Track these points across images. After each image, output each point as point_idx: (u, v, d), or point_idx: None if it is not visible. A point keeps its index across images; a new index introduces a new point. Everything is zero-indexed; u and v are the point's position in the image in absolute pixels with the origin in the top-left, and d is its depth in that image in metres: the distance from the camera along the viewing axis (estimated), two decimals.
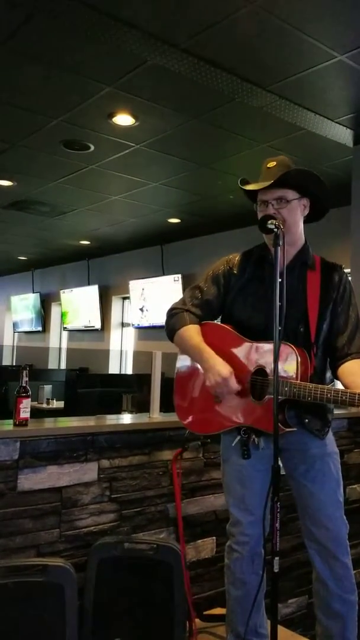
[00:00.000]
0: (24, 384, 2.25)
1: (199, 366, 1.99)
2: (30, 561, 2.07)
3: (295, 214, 1.90)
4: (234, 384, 1.87)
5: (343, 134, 4.07)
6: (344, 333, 1.92)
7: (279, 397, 1.73)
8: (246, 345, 1.92)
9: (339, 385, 1.91)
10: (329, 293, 1.93)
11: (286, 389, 1.75)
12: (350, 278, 4.30)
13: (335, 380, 1.99)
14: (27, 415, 2.25)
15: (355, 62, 3.14)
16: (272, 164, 1.92)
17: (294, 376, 1.78)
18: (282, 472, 1.96)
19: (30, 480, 2.20)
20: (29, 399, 2.26)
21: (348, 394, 1.67)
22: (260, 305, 1.92)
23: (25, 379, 2.27)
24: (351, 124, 3.93)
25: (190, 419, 2.09)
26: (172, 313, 2.06)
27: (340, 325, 1.93)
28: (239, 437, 1.92)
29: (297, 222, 1.93)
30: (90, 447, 2.36)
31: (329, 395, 1.70)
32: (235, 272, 2.00)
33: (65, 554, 2.24)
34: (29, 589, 1.99)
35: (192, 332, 1.98)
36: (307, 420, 1.90)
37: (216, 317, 2.06)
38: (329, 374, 1.98)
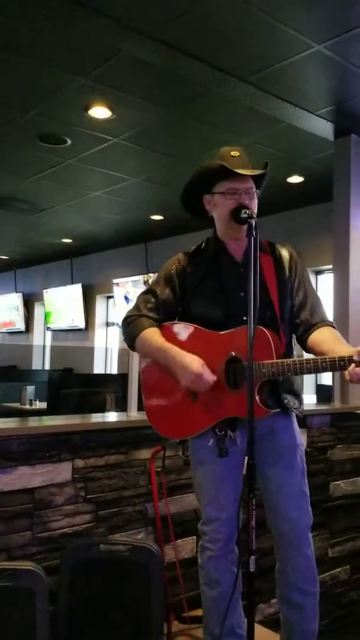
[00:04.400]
0: None
1: (166, 368, 1.90)
2: None
3: (256, 207, 1.90)
4: (210, 376, 1.81)
5: (323, 127, 4.02)
6: (306, 306, 1.93)
7: (260, 379, 1.75)
8: (212, 337, 1.87)
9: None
10: (284, 272, 1.94)
11: (264, 370, 1.73)
12: (332, 273, 4.26)
13: (306, 353, 1.97)
14: None
15: (333, 53, 3.09)
16: (236, 153, 1.91)
17: (270, 356, 1.77)
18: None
19: (0, 481, 2.12)
20: None
21: (328, 360, 1.68)
22: (219, 298, 1.91)
23: None
24: (331, 116, 3.88)
25: (167, 426, 2.00)
26: (128, 321, 1.98)
27: (301, 300, 1.94)
28: (212, 438, 1.87)
29: None
30: (64, 447, 2.29)
31: (308, 365, 1.70)
32: (189, 270, 1.97)
33: (38, 557, 2.18)
34: None
35: (152, 334, 1.92)
36: (286, 400, 1.88)
37: (174, 318, 2.00)
38: (295, 351, 1.98)
